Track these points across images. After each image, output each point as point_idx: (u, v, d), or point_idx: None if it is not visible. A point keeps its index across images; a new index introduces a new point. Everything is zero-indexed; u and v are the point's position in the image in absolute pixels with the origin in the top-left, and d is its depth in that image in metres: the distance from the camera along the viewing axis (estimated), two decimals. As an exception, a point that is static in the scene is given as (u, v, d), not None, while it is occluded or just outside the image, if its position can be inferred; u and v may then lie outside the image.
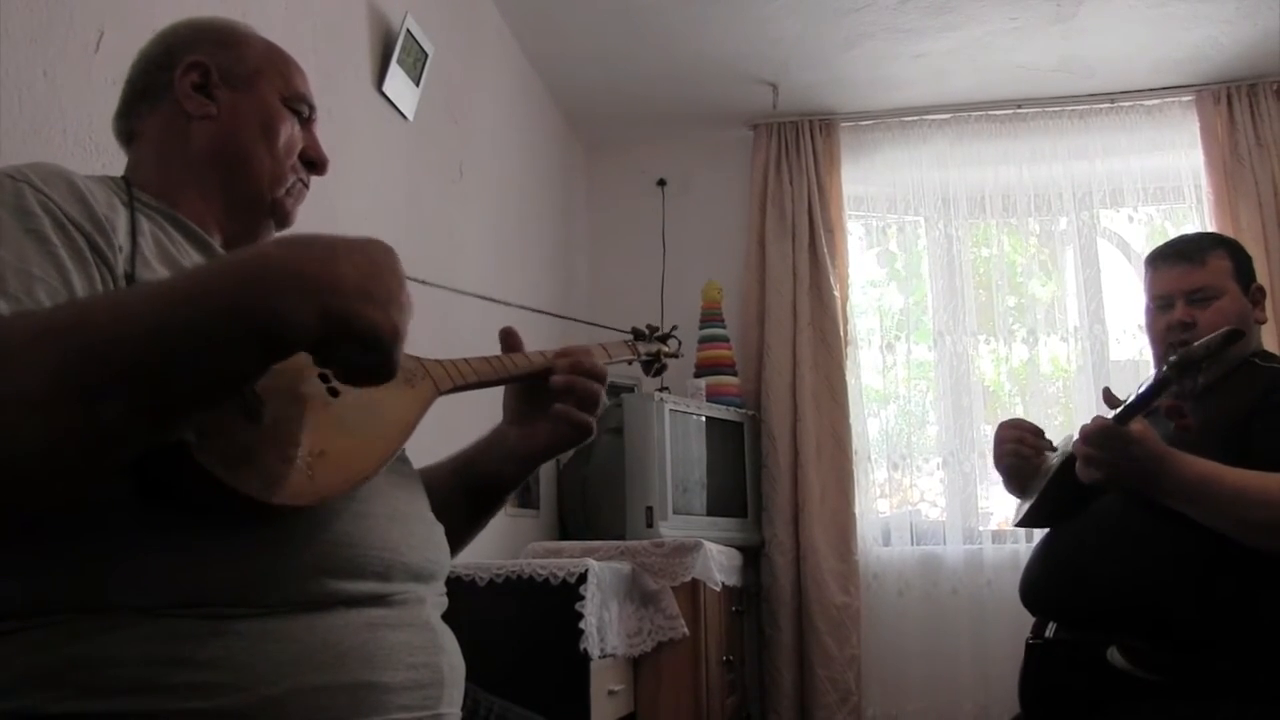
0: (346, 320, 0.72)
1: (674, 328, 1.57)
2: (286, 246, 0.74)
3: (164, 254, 0.97)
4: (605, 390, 1.23)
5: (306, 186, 1.16)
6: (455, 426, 1.33)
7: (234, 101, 1.09)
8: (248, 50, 1.13)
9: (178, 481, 0.77)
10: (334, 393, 0.87)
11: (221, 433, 0.76)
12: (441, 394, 1.05)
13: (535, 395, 1.22)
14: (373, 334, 0.73)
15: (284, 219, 1.14)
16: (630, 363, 1.46)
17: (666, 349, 1.51)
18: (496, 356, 1.18)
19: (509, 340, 1.26)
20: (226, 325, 0.69)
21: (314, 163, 1.16)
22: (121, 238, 0.91)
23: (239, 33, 1.15)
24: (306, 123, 1.16)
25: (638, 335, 1.51)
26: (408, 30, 2.45)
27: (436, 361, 1.07)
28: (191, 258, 1.01)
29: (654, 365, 1.51)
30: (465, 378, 1.09)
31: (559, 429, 1.20)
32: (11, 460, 0.67)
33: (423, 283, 1.55)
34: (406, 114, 2.51)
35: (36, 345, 0.69)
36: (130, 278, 0.90)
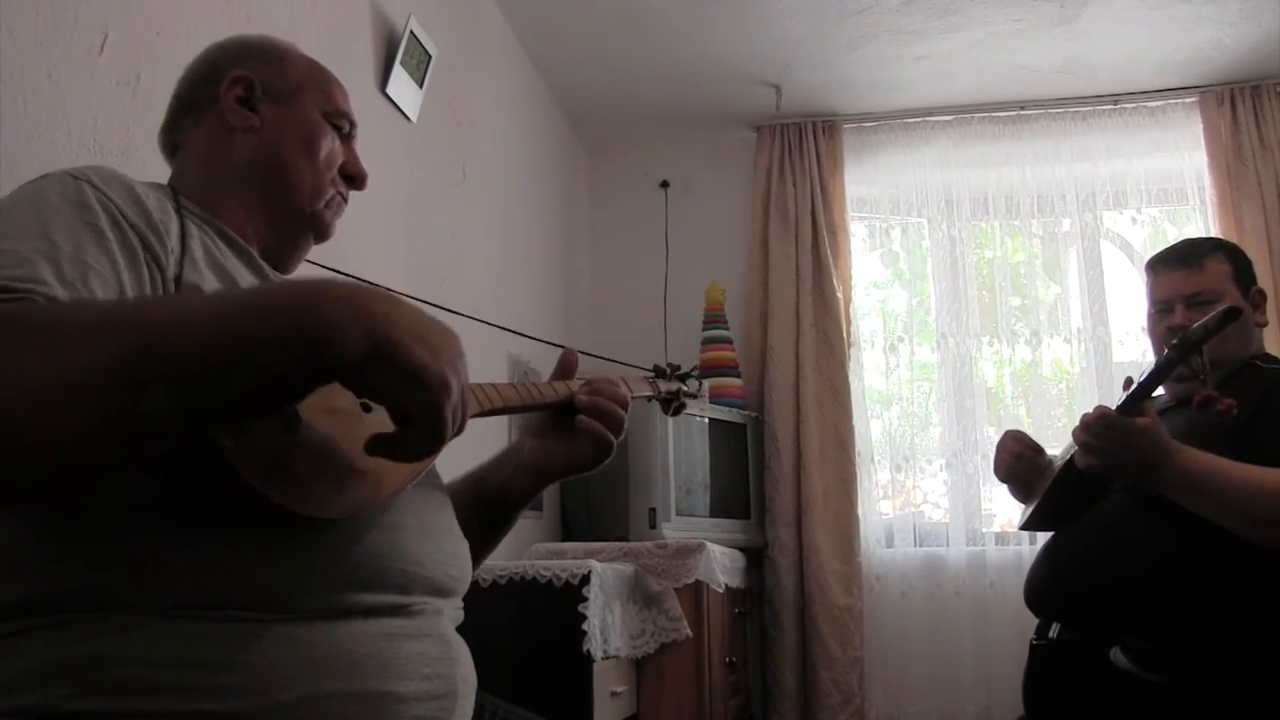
0: (393, 348, 0.71)
1: (695, 368, 1.57)
2: (353, 285, 0.75)
3: (211, 260, 0.99)
4: (627, 417, 1.23)
5: (345, 200, 1.19)
6: (465, 447, 1.32)
7: (276, 115, 1.13)
8: (291, 66, 1.17)
9: (208, 482, 0.77)
10: (367, 408, 0.87)
11: (256, 438, 0.77)
12: (470, 417, 1.05)
13: (558, 419, 1.22)
14: (419, 369, 0.72)
15: (323, 231, 1.17)
16: (649, 399, 1.46)
17: (686, 389, 1.51)
18: (524, 384, 1.19)
19: (566, 364, 1.27)
20: (278, 340, 0.70)
21: (353, 177, 1.19)
22: (173, 241, 0.94)
23: (282, 49, 1.19)
24: (347, 138, 1.19)
25: (659, 373, 1.51)
26: (411, 32, 2.45)
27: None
28: (235, 265, 1.03)
29: (673, 404, 1.51)
30: (494, 403, 1.09)
31: (579, 446, 1.21)
32: (51, 439, 0.68)
33: (429, 304, 1.56)
34: (410, 115, 2.51)
35: (94, 334, 0.70)
36: (179, 280, 0.92)
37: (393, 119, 2.46)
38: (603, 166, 4.21)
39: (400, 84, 2.44)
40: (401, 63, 2.43)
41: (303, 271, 1.22)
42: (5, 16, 1.33)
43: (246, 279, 1.04)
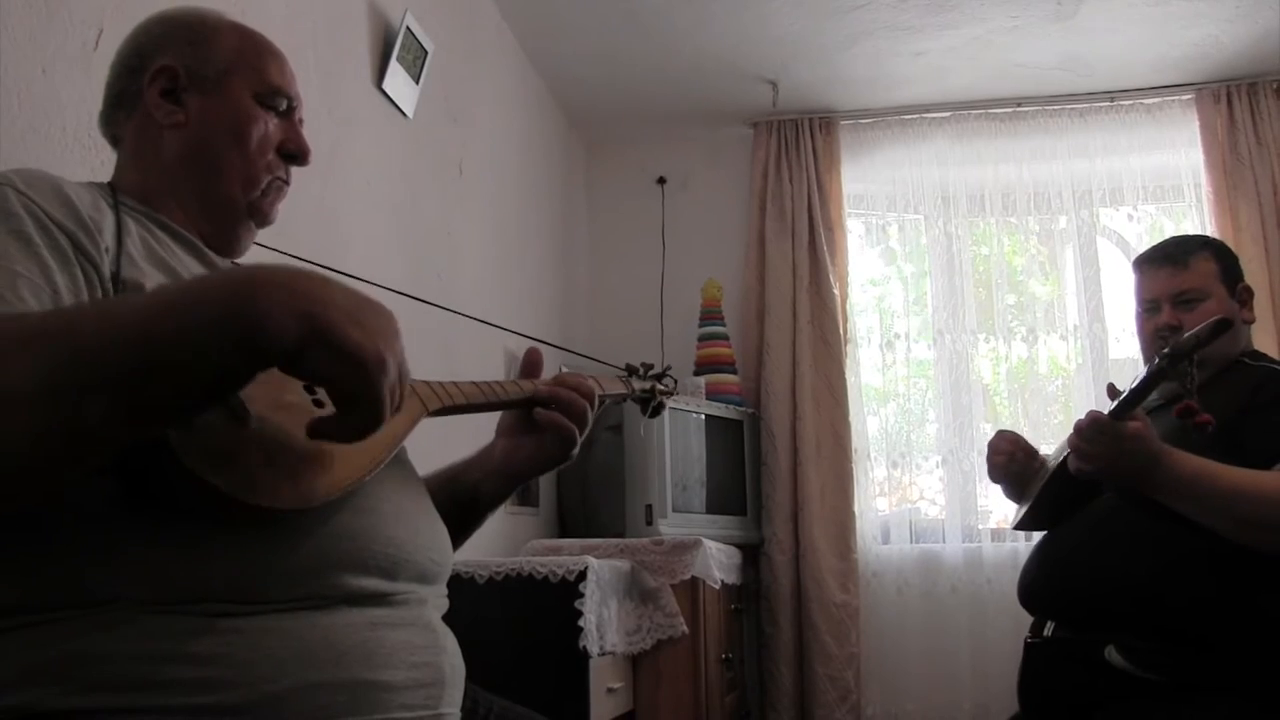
0: (328, 330, 0.70)
1: (668, 367, 1.55)
2: (282, 268, 0.74)
3: (152, 255, 0.97)
4: (593, 410, 1.22)
5: (287, 182, 1.15)
6: (454, 445, 1.32)
7: (203, 106, 1.08)
8: (218, 47, 1.11)
9: (159, 479, 0.77)
10: (319, 404, 0.87)
11: (204, 433, 0.76)
12: (430, 414, 1.04)
13: (529, 416, 1.21)
14: (354, 350, 0.71)
15: (263, 219, 1.14)
16: (624, 399, 1.45)
17: (662, 387, 1.50)
18: (487, 382, 1.16)
19: (531, 362, 1.25)
20: (210, 328, 0.69)
21: (293, 155, 1.14)
22: (108, 238, 0.92)
23: (209, 27, 1.12)
24: (288, 114, 1.14)
25: (631, 371, 1.49)
26: (407, 28, 2.45)
27: (425, 382, 1.05)
28: (180, 259, 1.01)
29: (650, 404, 1.49)
30: (454, 399, 1.08)
31: (544, 444, 1.20)
32: None
33: (419, 300, 1.54)
34: (406, 112, 2.51)
35: (27, 346, 0.69)
36: (116, 277, 0.90)
37: (389, 115, 2.46)
38: (599, 163, 4.21)
39: (396, 80, 2.44)
40: (398, 59, 2.43)
41: (296, 267, 1.20)
42: (0, 12, 1.32)
43: (194, 270, 1.02)
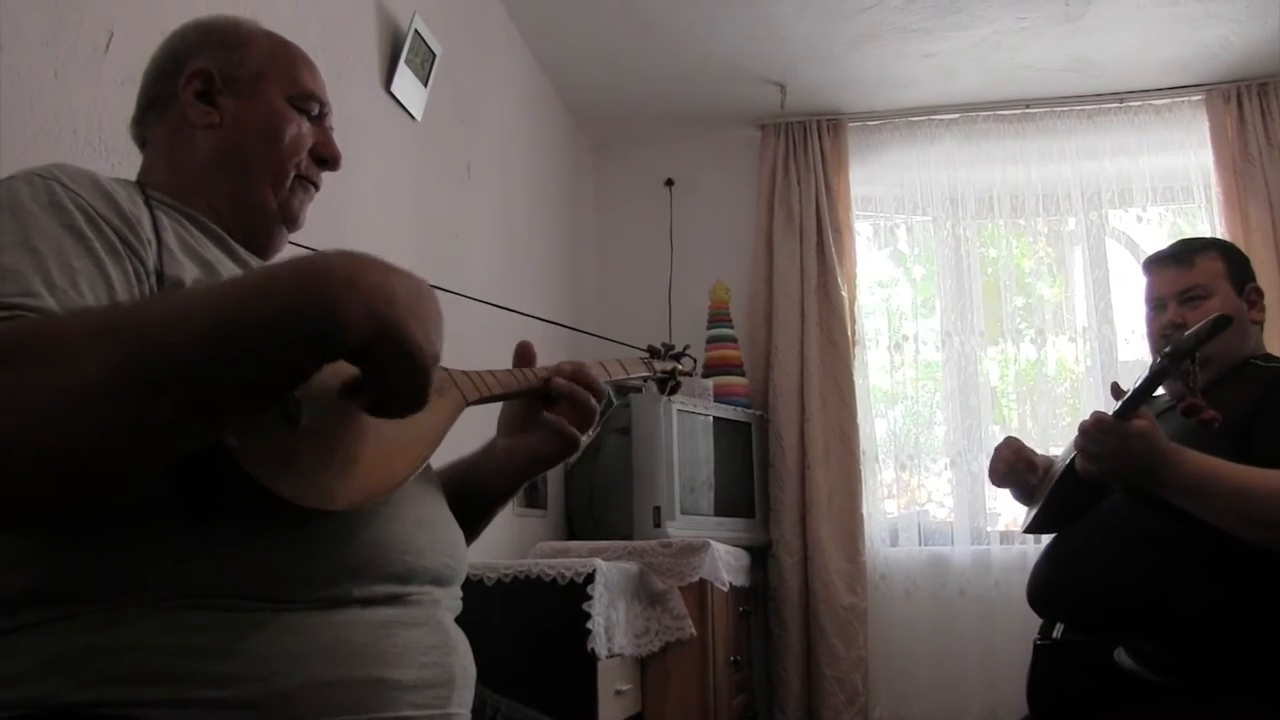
0: (397, 330, 0.74)
1: (686, 347, 1.58)
2: (345, 257, 0.76)
3: (187, 248, 0.98)
4: (601, 407, 1.24)
5: (316, 186, 1.16)
6: (465, 435, 1.33)
7: (237, 108, 1.09)
8: (252, 52, 1.13)
9: (218, 484, 0.77)
10: None
11: (261, 436, 0.77)
12: (469, 404, 1.06)
13: (530, 409, 1.22)
14: (416, 351, 0.75)
15: (292, 222, 1.15)
16: (645, 379, 1.48)
17: (681, 367, 1.53)
18: (519, 369, 1.19)
19: (524, 354, 1.25)
20: (282, 324, 0.71)
21: (325, 159, 1.16)
22: (147, 232, 0.93)
23: (243, 33, 1.15)
24: (318, 119, 1.16)
25: (653, 353, 1.52)
26: (415, 31, 2.45)
27: (462, 372, 1.08)
28: (211, 251, 1.02)
29: (668, 383, 1.52)
30: (491, 389, 1.11)
31: (546, 440, 1.21)
32: (67, 451, 0.69)
33: (436, 288, 1.55)
34: (414, 114, 2.51)
35: (96, 341, 0.70)
36: (160, 272, 0.91)
37: (397, 117, 2.46)
38: (607, 165, 4.21)
39: (405, 82, 2.45)
40: (406, 61, 2.43)
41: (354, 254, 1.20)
42: (11, 16, 1.33)
43: (226, 264, 1.02)
